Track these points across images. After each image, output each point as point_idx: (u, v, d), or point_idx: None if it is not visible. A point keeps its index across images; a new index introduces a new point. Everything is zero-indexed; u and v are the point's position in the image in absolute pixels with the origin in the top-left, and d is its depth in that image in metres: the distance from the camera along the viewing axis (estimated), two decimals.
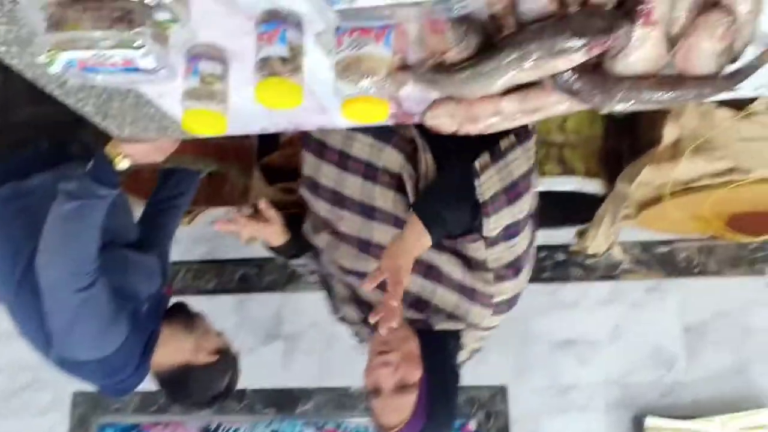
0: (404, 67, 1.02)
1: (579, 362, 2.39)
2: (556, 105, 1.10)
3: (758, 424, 2.18)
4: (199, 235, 2.67)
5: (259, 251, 2.62)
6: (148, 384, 1.68)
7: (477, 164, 1.31)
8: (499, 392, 2.41)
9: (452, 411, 1.40)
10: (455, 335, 1.47)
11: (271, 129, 1.26)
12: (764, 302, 2.30)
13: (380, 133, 1.37)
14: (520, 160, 1.35)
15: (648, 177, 1.86)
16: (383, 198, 1.41)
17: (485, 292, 1.42)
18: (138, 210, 2.62)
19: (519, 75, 0.95)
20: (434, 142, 1.38)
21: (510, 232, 1.38)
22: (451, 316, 1.44)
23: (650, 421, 2.22)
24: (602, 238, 2.05)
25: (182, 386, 1.63)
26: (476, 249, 1.38)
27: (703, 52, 0.92)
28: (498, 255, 1.40)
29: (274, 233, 1.55)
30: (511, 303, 1.48)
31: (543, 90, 1.07)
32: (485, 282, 1.41)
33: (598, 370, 2.38)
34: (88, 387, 1.64)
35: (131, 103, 1.15)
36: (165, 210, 1.85)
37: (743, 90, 1.09)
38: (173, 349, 1.61)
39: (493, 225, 1.34)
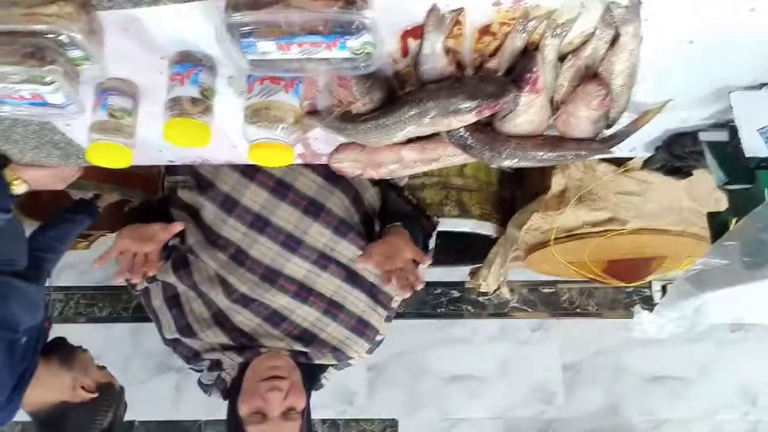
0: (312, 112, 1.08)
1: (468, 396, 2.48)
2: (452, 157, 1.18)
3: None
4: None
5: None
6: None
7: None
8: (390, 425, 2.46)
9: None
10: (324, 370, 1.53)
11: (179, 162, 1.28)
12: (637, 344, 2.48)
13: (330, 174, 1.38)
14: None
15: (536, 223, 1.99)
16: (318, 234, 1.46)
17: (376, 327, 1.52)
18: (28, 230, 2.53)
19: (418, 129, 1.02)
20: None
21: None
22: (335, 350, 1.49)
23: None
24: (493, 278, 2.16)
25: (59, 425, 1.55)
26: (391, 288, 1.50)
27: (581, 119, 1.02)
28: (397, 300, 1.55)
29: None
30: (376, 346, 1.57)
31: (440, 142, 1.15)
32: (379, 318, 1.52)
33: (485, 405, 2.48)
34: None
35: (34, 129, 1.14)
36: (51, 247, 1.79)
37: (619, 151, 1.21)
38: (50, 387, 1.53)
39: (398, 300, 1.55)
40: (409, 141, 1.15)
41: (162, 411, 2.48)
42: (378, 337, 1.54)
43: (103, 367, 1.66)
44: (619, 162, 1.76)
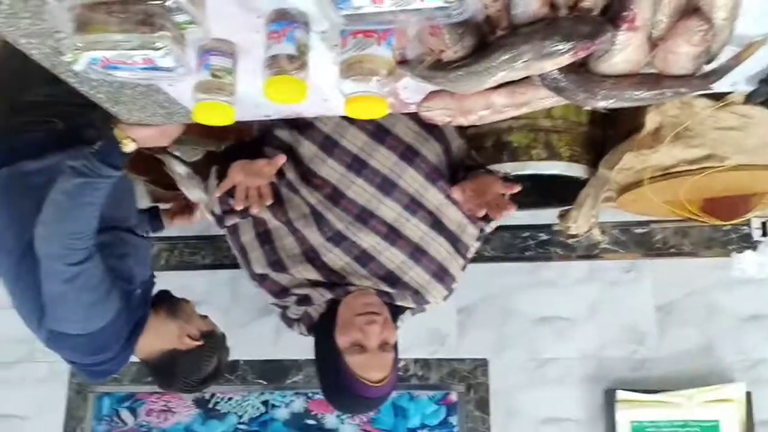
0: (402, 62, 1.09)
1: (557, 338, 2.50)
2: (543, 100, 1.17)
3: (722, 398, 2.30)
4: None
5: None
6: None
7: None
8: (480, 365, 2.51)
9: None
10: (401, 312, 1.58)
11: (275, 116, 1.32)
12: (733, 283, 2.40)
13: (425, 123, 1.36)
14: None
15: (629, 163, 1.94)
16: (411, 179, 1.52)
17: (454, 275, 1.60)
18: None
19: (510, 74, 1.02)
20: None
21: (485, 237, 1.68)
22: (416, 293, 1.55)
23: (621, 395, 2.34)
24: (583, 220, 2.14)
25: (170, 371, 1.68)
26: (471, 236, 1.61)
27: (681, 55, 0.99)
28: (474, 249, 1.64)
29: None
30: (450, 294, 1.64)
31: (531, 86, 1.14)
32: (457, 267, 1.60)
33: (574, 345, 2.49)
34: None
35: (141, 90, 1.21)
36: None
37: (720, 86, 1.17)
38: (159, 336, 1.65)
39: (493, 225, 1.62)
40: (499, 86, 1.15)
41: (264, 351, 2.62)
42: (454, 285, 1.61)
43: (205, 317, 1.76)
44: (717, 97, 1.69)
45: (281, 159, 1.49)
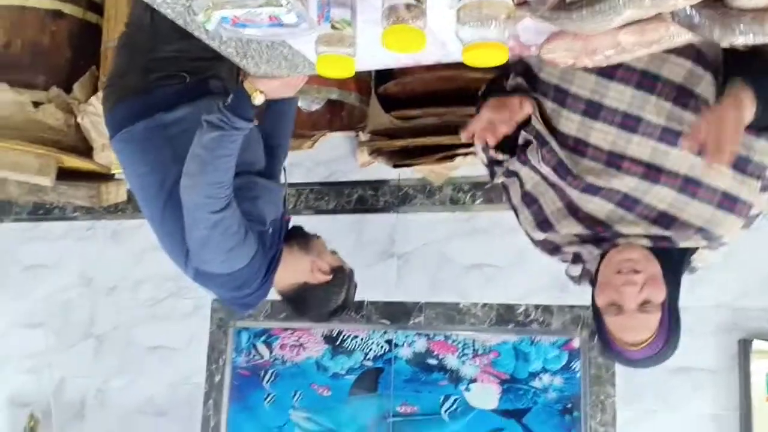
0: (522, 3, 1.06)
1: (690, 286, 2.38)
2: (675, 37, 1.11)
3: None
4: (320, 159, 2.83)
5: (374, 174, 2.77)
6: (276, 295, 1.85)
7: None
8: None
9: (680, 331, 1.39)
10: (690, 253, 1.42)
11: (393, 65, 1.34)
12: None
13: None
14: None
15: None
16: (657, 109, 1.34)
17: (746, 200, 1.35)
18: None
19: (637, 12, 0.97)
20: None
21: None
22: (700, 230, 1.37)
23: (757, 345, 2.23)
24: None
25: (302, 302, 1.78)
26: (764, 151, 1.32)
27: None
28: None
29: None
30: (754, 220, 1.41)
31: (662, 22, 1.08)
32: (750, 190, 1.34)
33: (709, 293, 2.37)
34: None
35: (267, 44, 1.26)
36: (275, 145, 1.97)
37: None
38: (293, 269, 1.74)
39: None
40: (626, 24, 1.09)
41: (387, 292, 2.71)
42: (753, 211, 1.37)
43: (335, 252, 1.84)
44: None
45: (528, 107, 1.42)
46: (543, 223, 1.49)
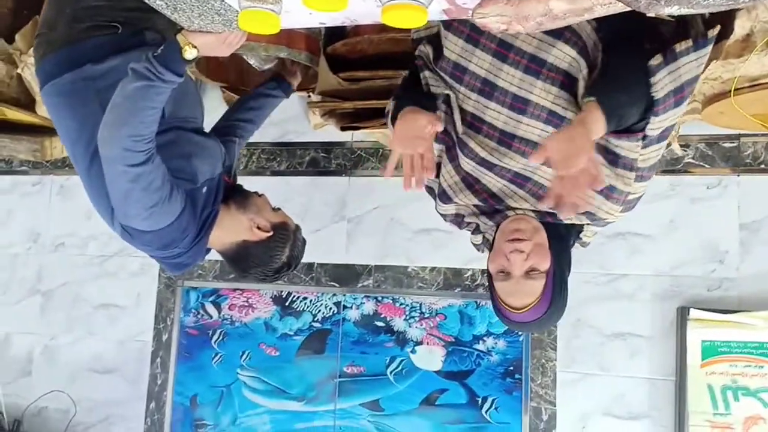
0: None
1: (631, 252, 2.44)
2: (606, 6, 1.10)
3: None
4: (272, 119, 2.73)
5: (328, 136, 2.74)
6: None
7: (651, 63, 1.31)
8: None
9: (566, 297, 1.47)
10: (577, 228, 1.52)
11: (330, 23, 1.31)
12: None
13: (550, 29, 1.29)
14: (691, 64, 1.34)
15: (715, 72, 1.82)
16: (543, 93, 1.40)
17: (623, 190, 1.44)
18: (212, 92, 2.75)
19: None
20: (608, 40, 1.37)
21: (664, 134, 1.41)
22: (584, 211, 1.45)
23: (694, 313, 2.29)
24: None
25: (243, 260, 1.73)
26: (631, 148, 1.38)
27: None
28: (647, 156, 1.42)
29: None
30: (636, 202, 1.49)
31: None
32: (625, 181, 1.42)
33: (649, 262, 2.43)
34: None
35: None
36: (248, 121, 2.00)
37: None
38: (230, 229, 1.70)
39: (657, 125, 1.35)
40: None
41: (337, 255, 2.72)
42: (630, 197, 1.46)
43: (278, 209, 1.79)
44: None
45: (439, 125, 1.41)
46: (442, 195, 1.57)
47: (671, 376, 2.36)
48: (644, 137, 1.37)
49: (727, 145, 2.38)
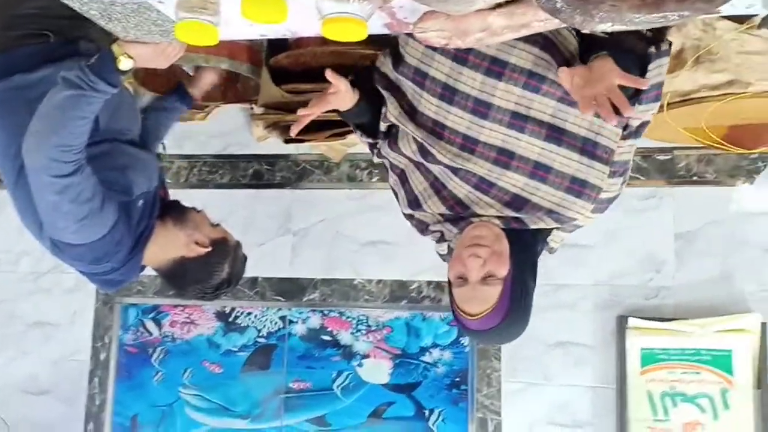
0: None
1: (572, 264, 2.49)
2: (543, 23, 1.13)
3: (736, 328, 2.27)
4: (214, 131, 2.75)
5: (272, 148, 2.72)
6: None
7: (651, 51, 1.33)
8: None
9: (529, 308, 1.43)
10: (545, 234, 1.48)
11: (271, 35, 1.30)
12: (757, 213, 2.35)
13: None
14: (663, 68, 1.37)
15: None
16: (506, 95, 1.39)
17: (595, 185, 1.41)
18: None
19: None
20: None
21: (640, 130, 1.41)
22: (550, 213, 1.43)
23: (633, 322, 2.35)
24: None
25: (180, 278, 1.69)
26: (610, 135, 1.38)
27: None
28: (624, 150, 1.41)
29: (344, 97, 1.54)
30: (607, 204, 1.48)
31: (530, 7, 1.09)
32: (599, 175, 1.41)
33: (589, 272, 2.48)
34: None
35: (132, 8, 1.19)
36: (160, 119, 1.93)
37: (732, 8, 1.10)
38: (166, 245, 1.65)
39: (639, 114, 1.36)
40: (498, 6, 1.10)
41: (281, 269, 2.68)
42: (603, 195, 1.43)
43: (218, 225, 1.74)
44: (742, 19, 1.60)
45: (337, 86, 1.51)
46: (413, 202, 1.55)
47: (612, 384, 2.40)
48: (626, 126, 1.38)
49: (662, 157, 2.45)
